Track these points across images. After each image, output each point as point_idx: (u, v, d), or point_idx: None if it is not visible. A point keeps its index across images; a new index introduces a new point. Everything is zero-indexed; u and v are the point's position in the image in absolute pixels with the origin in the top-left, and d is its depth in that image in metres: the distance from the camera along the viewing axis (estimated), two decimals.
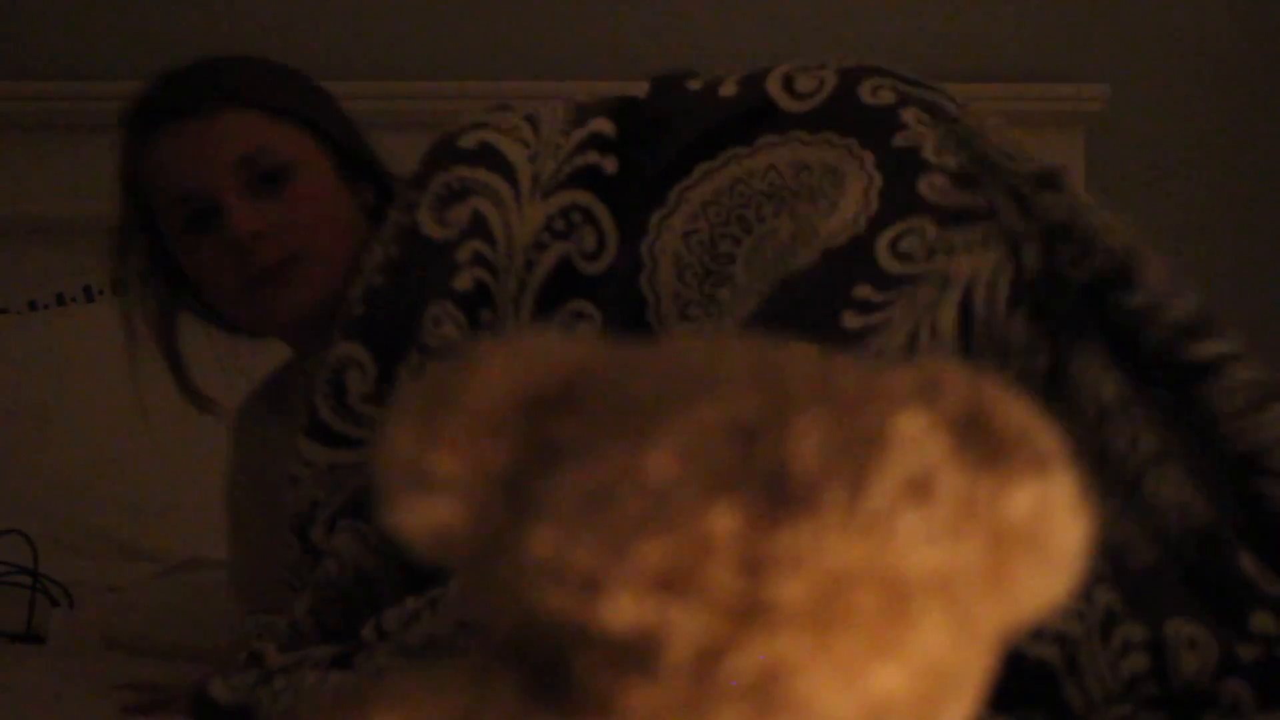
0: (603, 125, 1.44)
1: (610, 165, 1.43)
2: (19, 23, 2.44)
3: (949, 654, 0.54)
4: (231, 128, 1.51)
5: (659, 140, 1.43)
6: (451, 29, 2.52)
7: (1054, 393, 1.21)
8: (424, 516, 0.55)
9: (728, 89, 1.44)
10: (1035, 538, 0.56)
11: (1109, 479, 1.19)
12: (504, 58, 2.47)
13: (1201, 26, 2.79)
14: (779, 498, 0.52)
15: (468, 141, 1.48)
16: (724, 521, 0.51)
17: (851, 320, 1.23)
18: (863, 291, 1.24)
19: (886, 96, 1.39)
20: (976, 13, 2.71)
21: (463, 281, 1.39)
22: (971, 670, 0.56)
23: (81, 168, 2.32)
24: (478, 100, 2.16)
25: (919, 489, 0.53)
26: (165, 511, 2.03)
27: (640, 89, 1.49)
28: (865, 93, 1.40)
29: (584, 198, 1.41)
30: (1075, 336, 1.26)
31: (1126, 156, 2.76)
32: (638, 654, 0.51)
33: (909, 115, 1.37)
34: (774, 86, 1.42)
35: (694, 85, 1.47)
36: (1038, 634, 1.05)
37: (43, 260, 2.36)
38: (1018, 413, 0.58)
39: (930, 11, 2.70)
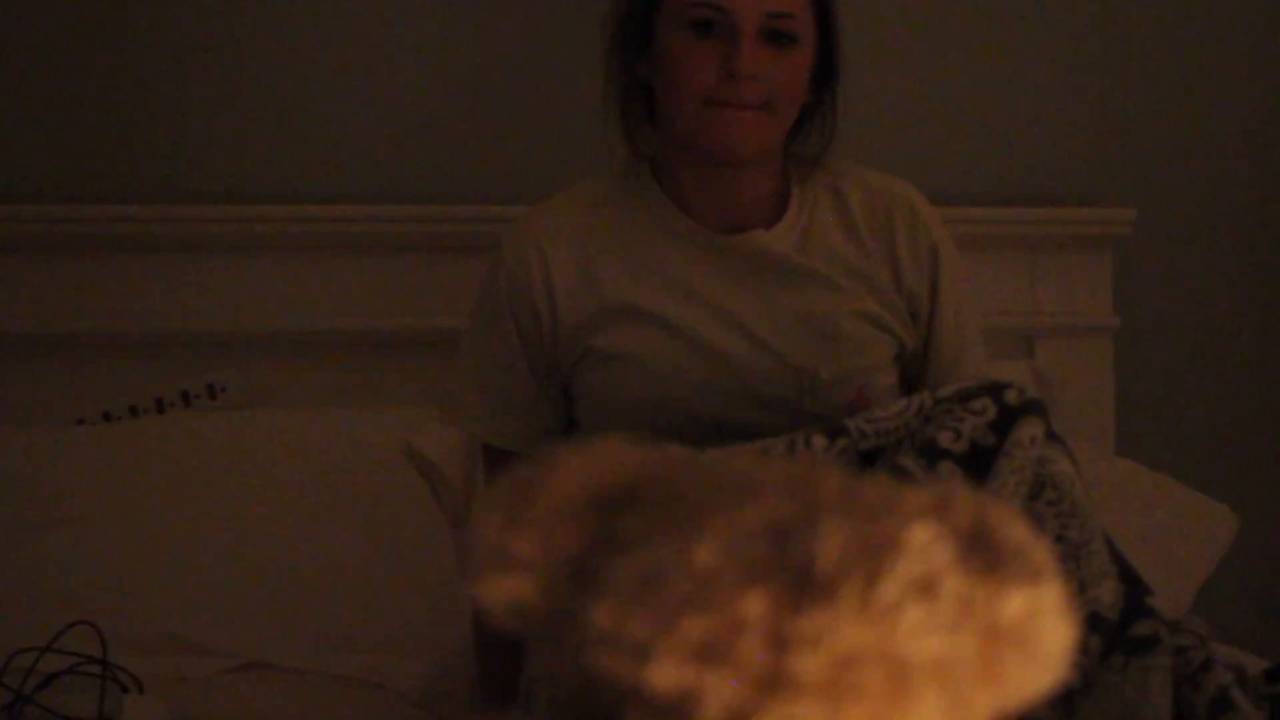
0: None
1: None
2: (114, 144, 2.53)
3: None
4: None
5: None
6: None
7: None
8: (504, 591, 0.64)
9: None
10: (1025, 637, 0.64)
11: None
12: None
13: (1224, 150, 2.81)
14: (804, 588, 0.61)
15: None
16: (756, 605, 0.60)
17: None
18: None
19: None
20: (1007, 139, 2.74)
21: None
22: None
23: (152, 288, 2.42)
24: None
25: (925, 588, 0.62)
26: (229, 611, 2.07)
27: None
28: None
29: None
30: None
31: (1154, 277, 2.78)
32: (679, 712, 0.60)
33: None
34: None
35: None
36: None
37: (115, 374, 2.41)
38: (1016, 530, 0.67)
39: (962, 138, 2.72)
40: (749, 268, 1.82)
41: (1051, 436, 1.52)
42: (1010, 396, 1.51)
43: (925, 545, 0.63)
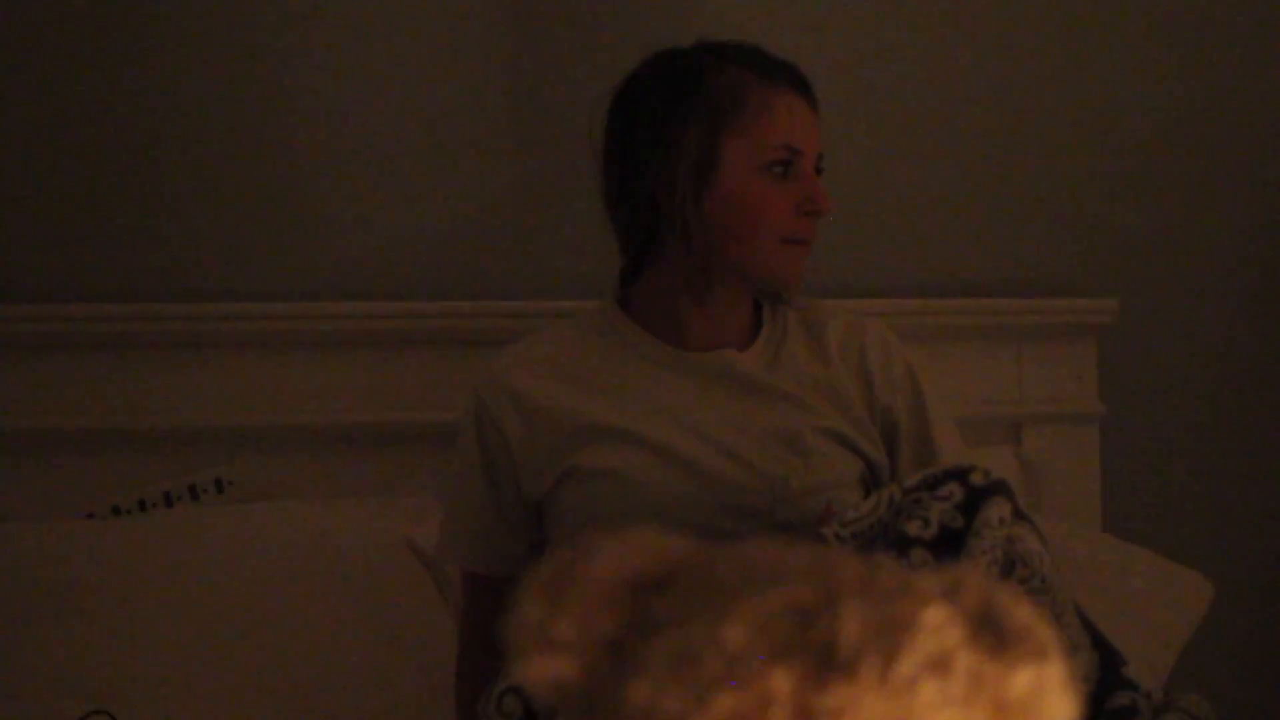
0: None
1: None
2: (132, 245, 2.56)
3: None
4: (818, 126, 1.89)
5: None
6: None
7: None
8: (545, 670, 0.69)
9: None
10: (1031, 711, 0.69)
11: None
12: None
13: (1205, 241, 2.87)
14: (827, 665, 0.65)
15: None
16: (783, 682, 0.65)
17: None
18: None
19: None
20: (993, 233, 2.79)
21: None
22: None
23: (158, 384, 2.46)
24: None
25: (939, 665, 0.67)
26: (240, 701, 2.10)
27: None
28: None
29: None
30: None
31: (1137, 365, 2.83)
32: None
33: None
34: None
35: None
36: None
37: (123, 469, 2.45)
38: (1023, 612, 0.72)
39: (949, 231, 2.78)
40: (720, 385, 1.90)
41: (1019, 515, 1.54)
42: (976, 478, 1.53)
43: (939, 626, 0.68)
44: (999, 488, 1.53)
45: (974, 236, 2.79)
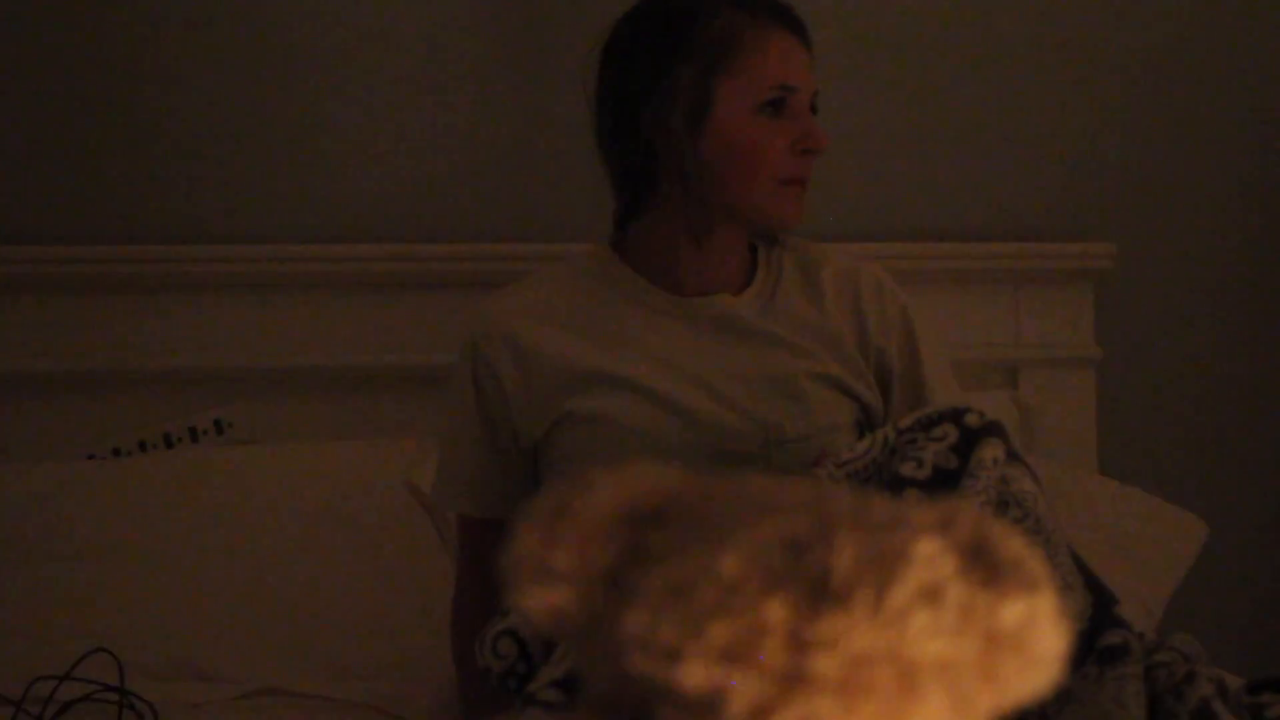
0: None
1: None
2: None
3: None
4: (811, 65, 1.88)
5: None
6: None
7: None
8: (544, 600, 0.70)
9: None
10: (1022, 642, 0.69)
11: None
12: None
13: (1202, 186, 2.88)
14: (821, 596, 0.66)
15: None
16: (777, 611, 0.66)
17: None
18: None
19: None
20: (991, 177, 2.80)
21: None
22: None
23: (160, 326, 2.48)
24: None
25: (931, 596, 0.67)
26: (241, 639, 2.12)
27: None
28: None
29: None
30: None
31: (1133, 310, 2.85)
32: (707, 708, 0.65)
33: None
34: None
35: None
36: None
37: (124, 410, 2.47)
38: (1015, 545, 0.73)
39: (947, 175, 2.78)
40: (714, 330, 1.89)
41: (1012, 456, 1.54)
42: (971, 420, 1.53)
43: (931, 557, 0.69)
44: (993, 429, 1.53)
45: (971, 181, 2.80)
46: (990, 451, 1.50)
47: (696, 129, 1.82)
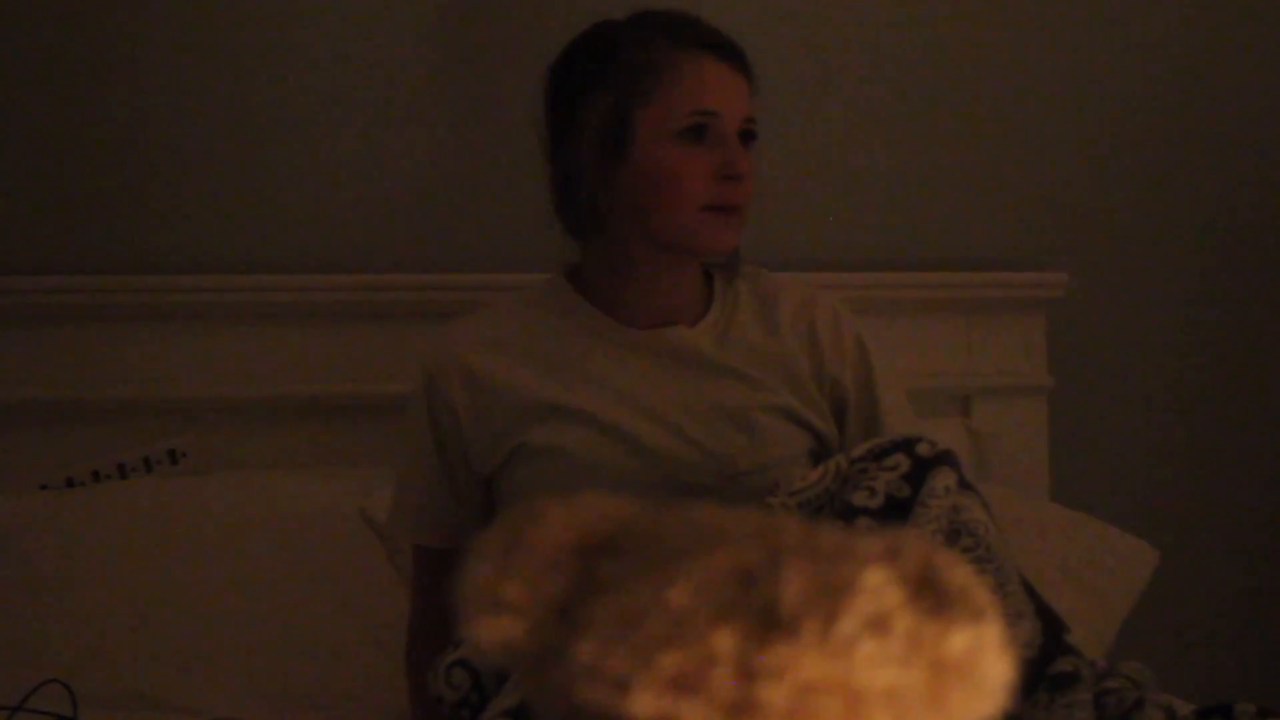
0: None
1: None
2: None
3: None
4: (746, 92, 1.85)
5: None
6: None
7: None
8: (495, 632, 0.70)
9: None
10: (969, 670, 0.70)
11: None
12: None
13: (1154, 217, 2.91)
14: (769, 625, 0.67)
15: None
16: (725, 641, 0.66)
17: None
18: None
19: None
20: (944, 206, 2.81)
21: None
22: None
23: (113, 356, 2.47)
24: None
25: (878, 625, 0.68)
26: (196, 670, 2.11)
27: None
28: None
29: None
30: None
31: (1086, 339, 2.87)
32: None
33: None
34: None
35: None
36: None
37: (77, 440, 2.46)
38: (961, 574, 0.73)
39: (900, 205, 2.79)
40: (668, 362, 1.89)
41: (964, 485, 1.55)
42: (923, 449, 1.54)
43: (878, 587, 0.69)
44: (945, 458, 1.54)
45: (925, 211, 2.81)
46: (942, 480, 1.51)
47: (615, 159, 1.81)
